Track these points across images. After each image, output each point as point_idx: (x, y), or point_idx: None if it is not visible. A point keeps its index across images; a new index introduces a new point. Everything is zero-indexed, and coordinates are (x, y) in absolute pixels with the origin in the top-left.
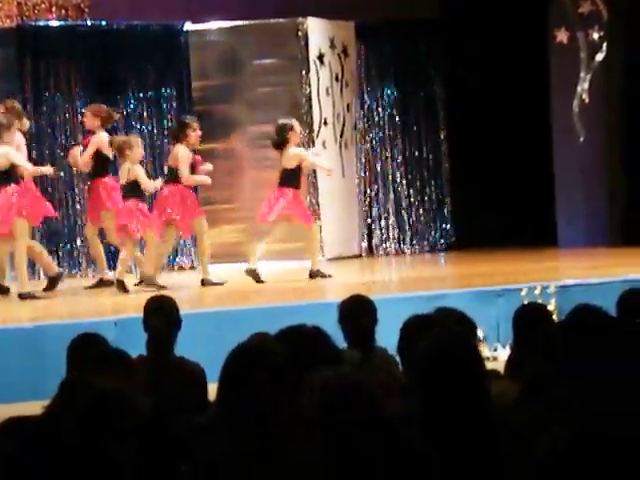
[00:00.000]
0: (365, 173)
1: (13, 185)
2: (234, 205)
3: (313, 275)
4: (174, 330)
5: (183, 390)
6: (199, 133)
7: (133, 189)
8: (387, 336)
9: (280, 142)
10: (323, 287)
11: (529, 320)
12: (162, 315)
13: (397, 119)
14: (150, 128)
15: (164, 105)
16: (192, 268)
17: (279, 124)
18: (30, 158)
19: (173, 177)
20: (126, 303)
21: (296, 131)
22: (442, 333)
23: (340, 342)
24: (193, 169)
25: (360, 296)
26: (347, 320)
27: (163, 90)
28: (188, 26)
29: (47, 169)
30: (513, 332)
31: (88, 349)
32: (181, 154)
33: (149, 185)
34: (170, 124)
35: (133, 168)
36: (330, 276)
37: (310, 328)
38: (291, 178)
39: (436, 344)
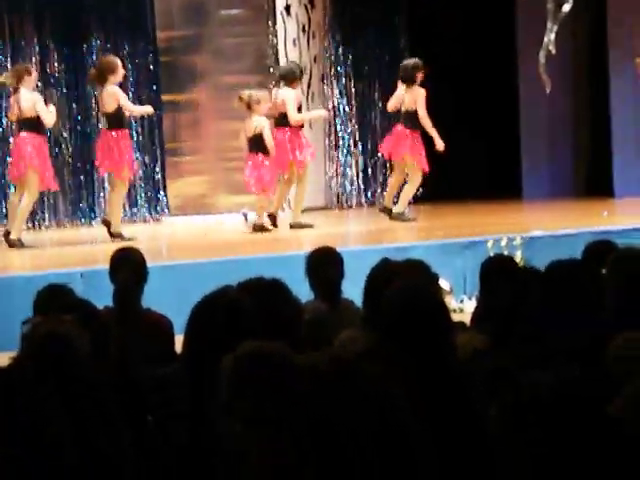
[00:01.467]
0: (331, 126)
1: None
2: (199, 157)
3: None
4: (141, 283)
5: (150, 342)
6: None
7: (258, 143)
8: (353, 288)
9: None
10: (289, 239)
11: (495, 272)
12: (129, 267)
13: (363, 72)
14: None
15: (129, 55)
16: (156, 220)
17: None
18: None
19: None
20: (94, 254)
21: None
22: (407, 285)
23: (308, 294)
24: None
25: (327, 248)
26: (314, 272)
27: (128, 40)
28: None
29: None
30: (480, 284)
31: (54, 300)
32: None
33: (270, 140)
34: (135, 74)
35: (260, 122)
36: (311, 226)
37: (269, 280)
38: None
39: (401, 296)
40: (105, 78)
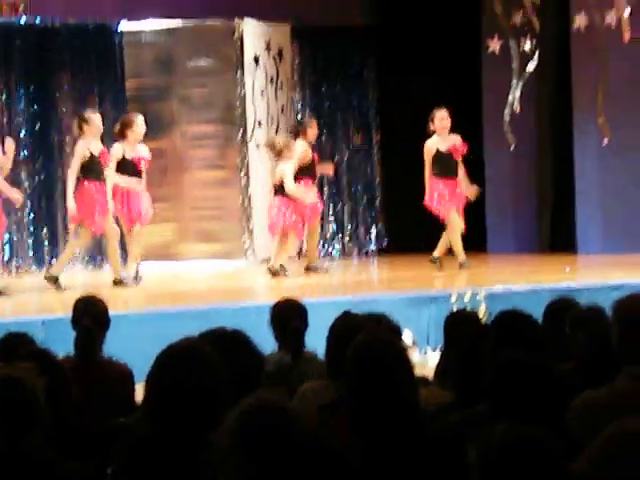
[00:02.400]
0: None
1: None
2: (166, 204)
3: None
4: (102, 331)
5: (110, 391)
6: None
7: (283, 189)
8: (317, 339)
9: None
10: (255, 289)
11: (459, 326)
12: (91, 315)
13: (331, 123)
14: None
15: (99, 104)
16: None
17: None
18: None
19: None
20: (54, 302)
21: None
22: (370, 338)
23: (272, 344)
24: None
25: (291, 299)
26: (278, 323)
27: (97, 89)
28: (123, 25)
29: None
30: (443, 338)
31: (14, 348)
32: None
33: (292, 186)
34: (106, 122)
35: (282, 169)
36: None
37: (231, 331)
38: None
39: (364, 349)
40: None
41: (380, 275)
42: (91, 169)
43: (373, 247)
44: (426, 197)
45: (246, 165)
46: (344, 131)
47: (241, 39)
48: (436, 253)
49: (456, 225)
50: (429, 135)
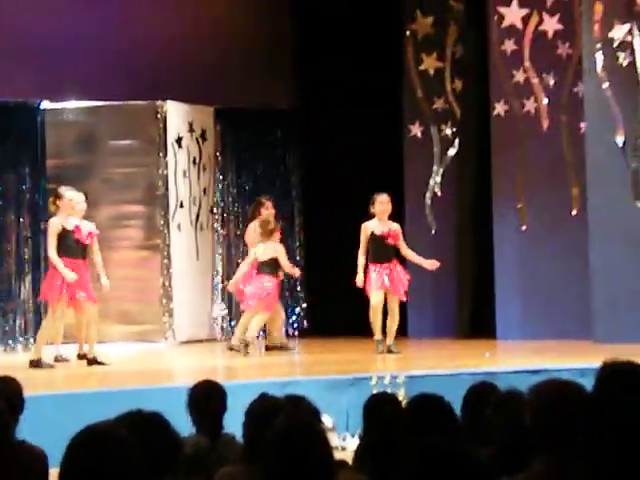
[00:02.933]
0: (220, 257)
1: None
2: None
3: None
4: (16, 413)
5: (23, 475)
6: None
7: (270, 266)
8: (236, 423)
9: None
10: (174, 371)
11: (378, 410)
12: (4, 397)
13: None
14: (1, 205)
15: (18, 182)
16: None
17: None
18: None
19: None
20: None
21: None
22: (289, 422)
23: (189, 427)
24: None
25: (209, 381)
26: (195, 405)
27: (18, 167)
28: (45, 104)
29: None
30: (362, 421)
31: None
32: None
33: (288, 266)
34: (24, 201)
35: (277, 248)
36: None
37: (148, 413)
38: None
39: (283, 432)
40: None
41: (300, 357)
42: (66, 245)
43: (293, 329)
44: (358, 279)
45: (167, 246)
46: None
47: (164, 120)
48: (378, 336)
49: (395, 312)
50: (369, 217)
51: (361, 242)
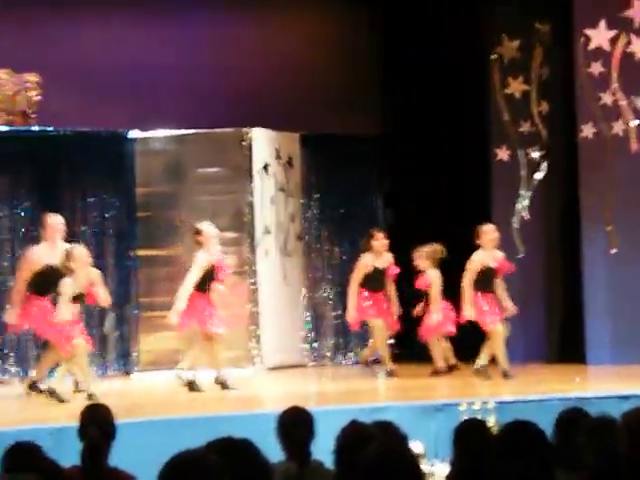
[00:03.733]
0: (308, 282)
1: None
2: None
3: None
4: (108, 440)
5: None
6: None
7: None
8: (325, 449)
9: None
10: (262, 397)
11: (469, 436)
12: (97, 424)
13: (339, 231)
14: (95, 232)
15: (108, 210)
16: (126, 375)
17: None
18: None
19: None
20: (59, 411)
21: None
22: (384, 449)
23: (278, 454)
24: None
25: (298, 408)
26: (284, 432)
27: (108, 195)
28: (134, 133)
29: None
30: (452, 448)
31: (21, 458)
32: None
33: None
34: (115, 229)
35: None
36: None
37: (238, 440)
38: None
39: (378, 460)
40: None
41: (386, 384)
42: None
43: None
44: (468, 312)
45: (254, 272)
46: (353, 239)
47: (250, 147)
48: (482, 361)
49: (499, 336)
50: (475, 249)
51: (468, 273)
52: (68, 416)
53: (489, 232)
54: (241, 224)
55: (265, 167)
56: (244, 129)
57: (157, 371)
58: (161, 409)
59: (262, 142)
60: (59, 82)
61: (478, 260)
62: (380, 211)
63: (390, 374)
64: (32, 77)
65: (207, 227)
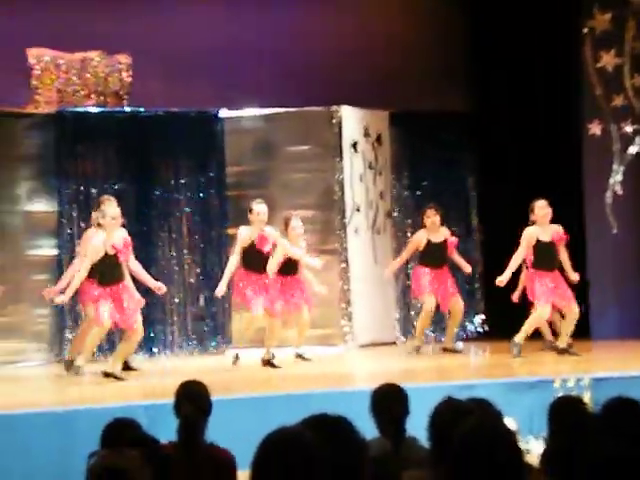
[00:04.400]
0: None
1: None
2: None
3: None
4: (205, 416)
5: (213, 477)
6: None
7: None
8: (418, 425)
9: None
10: (355, 374)
11: (565, 413)
12: (193, 401)
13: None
14: (187, 212)
15: (199, 190)
16: (221, 352)
17: None
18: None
19: None
20: (155, 388)
21: None
22: (479, 423)
23: (372, 431)
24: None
25: (391, 384)
26: (378, 409)
27: (198, 175)
28: (224, 113)
29: None
30: (548, 425)
31: (121, 434)
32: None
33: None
34: (205, 208)
35: None
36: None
37: (334, 417)
38: None
39: (474, 436)
40: None
41: (481, 360)
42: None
43: (473, 332)
44: (527, 290)
45: (345, 250)
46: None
47: (340, 125)
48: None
49: (573, 314)
50: (530, 224)
51: (522, 249)
52: (161, 393)
53: (543, 207)
54: (331, 202)
55: (354, 145)
56: (333, 107)
57: (249, 349)
58: (255, 386)
59: (351, 120)
60: (150, 63)
61: (532, 233)
62: (470, 188)
63: (417, 350)
64: (124, 58)
65: (257, 206)
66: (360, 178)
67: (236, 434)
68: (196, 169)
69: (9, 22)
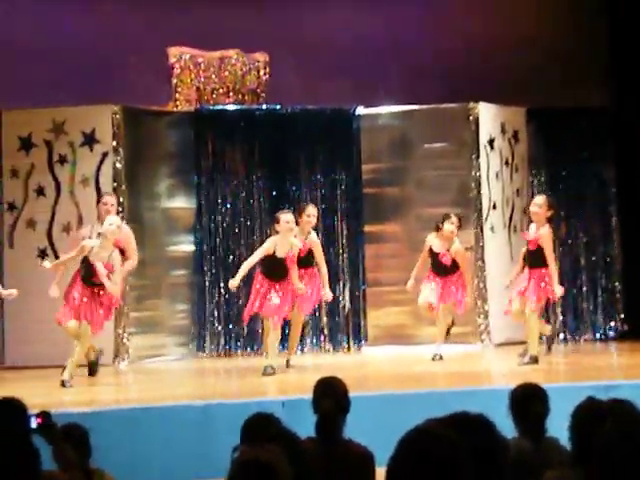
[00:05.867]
0: None
1: None
2: (400, 287)
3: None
4: (343, 412)
5: (352, 474)
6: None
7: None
8: (558, 426)
9: None
10: (492, 373)
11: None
12: (332, 397)
13: (566, 206)
14: (323, 209)
15: (335, 187)
16: (357, 350)
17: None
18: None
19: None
20: (290, 383)
21: None
22: (622, 426)
23: (510, 430)
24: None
25: (531, 384)
26: (518, 408)
27: (334, 172)
28: (360, 110)
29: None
30: None
31: (262, 429)
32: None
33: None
34: (341, 206)
35: None
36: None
37: (476, 416)
38: None
39: (616, 438)
40: None
41: (622, 361)
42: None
43: (612, 332)
44: None
45: (481, 247)
46: (581, 215)
47: (476, 122)
48: None
49: None
50: None
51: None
52: (297, 388)
53: None
54: (467, 199)
55: (491, 142)
56: (470, 104)
57: (384, 346)
58: (391, 383)
59: (488, 117)
60: (286, 61)
61: None
62: (609, 184)
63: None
64: (261, 57)
65: (284, 216)
66: (496, 175)
67: (373, 431)
68: (332, 166)
69: (150, 21)
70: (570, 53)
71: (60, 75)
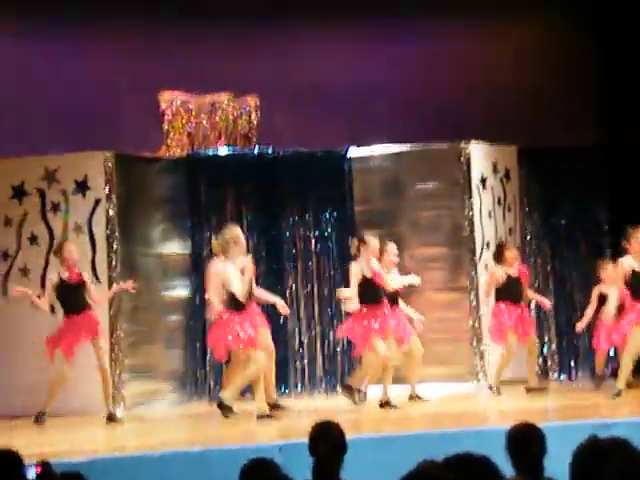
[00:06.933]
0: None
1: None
2: None
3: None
4: (340, 455)
5: None
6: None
7: None
8: (555, 466)
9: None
10: (488, 413)
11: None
12: (328, 440)
13: (560, 244)
14: (315, 251)
15: (328, 228)
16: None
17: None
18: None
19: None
20: (289, 428)
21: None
22: (623, 467)
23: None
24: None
25: (527, 424)
26: (515, 448)
27: (327, 213)
28: (351, 152)
29: None
30: None
31: (260, 475)
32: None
33: None
34: (332, 247)
35: None
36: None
37: (478, 457)
38: None
39: (618, 476)
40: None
41: (618, 399)
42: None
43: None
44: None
45: (475, 287)
46: (575, 254)
47: (468, 161)
48: None
49: None
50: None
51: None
52: (296, 432)
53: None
54: (460, 239)
55: (483, 181)
56: (461, 144)
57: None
58: (389, 425)
59: (479, 156)
60: (277, 102)
61: (627, 265)
62: (604, 224)
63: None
64: (252, 100)
65: (372, 240)
66: (489, 214)
67: (373, 474)
68: (325, 207)
69: (141, 67)
70: (563, 90)
71: (51, 123)
